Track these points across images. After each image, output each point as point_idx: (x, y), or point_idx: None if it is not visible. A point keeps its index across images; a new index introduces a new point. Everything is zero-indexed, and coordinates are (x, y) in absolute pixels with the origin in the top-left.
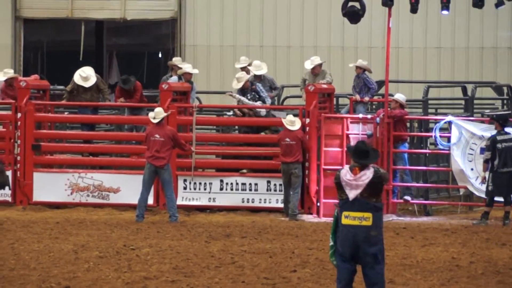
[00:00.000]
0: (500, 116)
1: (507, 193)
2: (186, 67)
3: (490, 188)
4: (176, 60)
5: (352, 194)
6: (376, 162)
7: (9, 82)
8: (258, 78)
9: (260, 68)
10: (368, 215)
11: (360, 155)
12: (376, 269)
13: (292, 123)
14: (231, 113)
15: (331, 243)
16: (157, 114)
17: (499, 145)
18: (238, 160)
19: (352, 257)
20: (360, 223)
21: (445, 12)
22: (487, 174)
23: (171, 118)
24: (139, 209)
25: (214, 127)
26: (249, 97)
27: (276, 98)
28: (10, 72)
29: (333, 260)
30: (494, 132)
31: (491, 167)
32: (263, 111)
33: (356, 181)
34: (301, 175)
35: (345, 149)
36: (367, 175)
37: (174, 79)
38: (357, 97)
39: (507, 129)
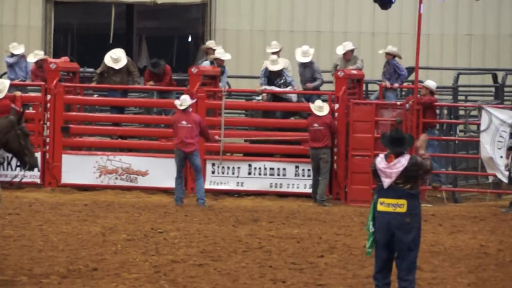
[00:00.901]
0: None
1: None
2: (218, 53)
3: (511, 174)
4: (210, 43)
5: (386, 182)
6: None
7: (39, 64)
8: (303, 65)
9: (307, 54)
10: (403, 202)
11: (394, 142)
12: (408, 257)
13: (320, 108)
14: (260, 97)
15: (372, 230)
16: (183, 101)
17: None
18: (267, 145)
19: (388, 244)
20: (394, 210)
21: None
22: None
23: (200, 102)
24: (176, 193)
25: (243, 111)
26: (278, 83)
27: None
28: (40, 54)
29: (371, 249)
30: None
31: None
32: (294, 97)
33: (390, 169)
34: (330, 160)
35: (380, 136)
36: (402, 162)
37: (206, 63)
38: (387, 83)
39: None
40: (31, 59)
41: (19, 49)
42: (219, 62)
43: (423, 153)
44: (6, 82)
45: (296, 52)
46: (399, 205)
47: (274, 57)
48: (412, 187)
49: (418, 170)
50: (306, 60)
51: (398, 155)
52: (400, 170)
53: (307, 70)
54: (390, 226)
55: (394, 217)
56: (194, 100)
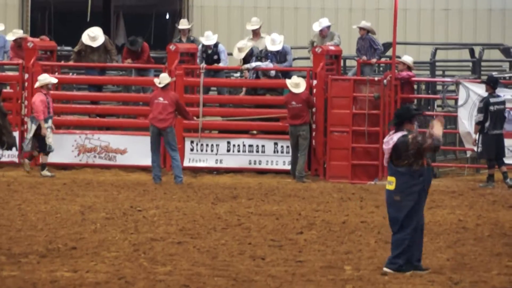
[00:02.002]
0: (491, 78)
1: (497, 155)
2: (207, 36)
3: (479, 149)
4: (182, 23)
5: (384, 159)
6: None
7: (18, 42)
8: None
9: (275, 43)
10: (392, 179)
11: (393, 117)
12: (397, 236)
13: (297, 85)
14: (238, 74)
15: None
16: (162, 79)
17: (491, 108)
18: (245, 122)
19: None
20: (387, 187)
21: None
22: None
23: (179, 80)
24: (153, 171)
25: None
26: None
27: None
28: (19, 33)
29: None
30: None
31: (481, 129)
32: (272, 72)
33: (385, 145)
34: (309, 137)
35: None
36: (393, 139)
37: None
38: (364, 58)
39: (500, 92)
40: (10, 37)
41: None
42: (208, 47)
43: (432, 133)
44: None
45: (265, 39)
46: (389, 182)
47: (243, 43)
48: (405, 164)
49: (407, 147)
50: (275, 48)
51: (396, 130)
52: (390, 146)
53: (279, 55)
54: (386, 203)
55: (387, 195)
56: (174, 78)
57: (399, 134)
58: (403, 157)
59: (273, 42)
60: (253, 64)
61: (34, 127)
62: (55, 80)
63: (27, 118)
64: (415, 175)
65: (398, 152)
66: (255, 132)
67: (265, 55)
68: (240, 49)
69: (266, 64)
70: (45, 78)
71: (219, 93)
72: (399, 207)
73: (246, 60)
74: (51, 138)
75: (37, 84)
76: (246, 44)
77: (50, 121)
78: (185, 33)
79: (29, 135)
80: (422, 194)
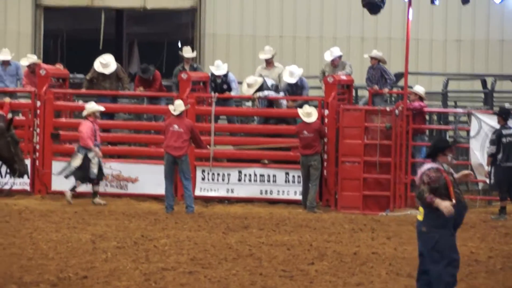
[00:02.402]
0: (503, 110)
1: (509, 187)
2: (215, 67)
3: (492, 181)
4: (184, 50)
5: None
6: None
7: (32, 68)
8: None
9: (293, 75)
10: (421, 209)
11: (429, 148)
12: (431, 270)
13: (308, 114)
14: (249, 103)
15: None
16: (177, 106)
17: (504, 139)
18: (257, 152)
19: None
20: (417, 217)
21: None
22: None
23: (190, 108)
24: (166, 200)
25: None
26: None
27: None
28: (33, 58)
29: None
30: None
31: (494, 160)
32: (284, 103)
33: (418, 173)
34: (320, 167)
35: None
36: (422, 169)
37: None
38: (376, 87)
39: (511, 124)
40: (24, 62)
41: (6, 55)
42: (218, 76)
43: (467, 173)
44: None
45: (284, 71)
46: (419, 213)
47: (253, 79)
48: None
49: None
50: (292, 81)
51: (432, 161)
52: (418, 176)
53: (296, 88)
54: (416, 233)
55: (417, 225)
56: (188, 106)
57: (428, 166)
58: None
59: (291, 74)
60: (265, 92)
61: (80, 156)
62: (102, 108)
63: (75, 145)
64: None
65: (423, 185)
66: (266, 161)
67: (275, 88)
68: (249, 85)
69: (274, 94)
70: (92, 106)
71: (230, 121)
72: (426, 238)
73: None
74: (96, 166)
75: (84, 113)
76: (256, 80)
77: (97, 149)
78: (188, 61)
79: (74, 163)
80: (448, 227)
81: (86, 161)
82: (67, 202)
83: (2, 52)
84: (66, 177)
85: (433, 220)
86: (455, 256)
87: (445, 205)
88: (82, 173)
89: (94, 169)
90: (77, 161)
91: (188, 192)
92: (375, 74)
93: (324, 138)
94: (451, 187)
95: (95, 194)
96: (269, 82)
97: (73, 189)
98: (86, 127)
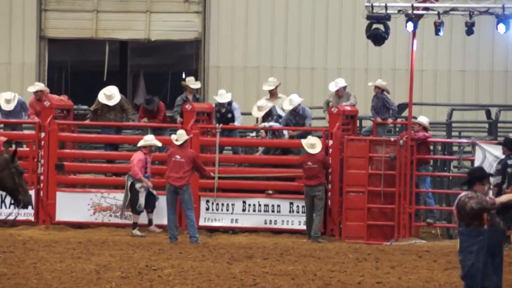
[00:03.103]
0: (508, 140)
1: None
2: (219, 96)
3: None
4: (189, 80)
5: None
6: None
7: (39, 96)
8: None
9: (292, 103)
10: (459, 239)
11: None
12: None
13: (313, 146)
14: (254, 134)
15: None
16: (180, 136)
17: (509, 169)
18: (261, 182)
19: None
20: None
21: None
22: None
23: (194, 139)
24: (169, 230)
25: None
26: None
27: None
28: (41, 85)
29: None
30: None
31: (499, 191)
32: (286, 134)
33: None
34: (324, 197)
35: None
36: (459, 197)
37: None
38: (378, 119)
39: None
40: (31, 89)
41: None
42: (221, 104)
43: (491, 200)
44: None
45: (284, 101)
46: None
47: (263, 102)
48: (464, 224)
49: (462, 207)
50: (290, 107)
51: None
52: (456, 203)
53: (298, 117)
54: None
55: (458, 254)
56: (191, 136)
57: (463, 193)
58: (463, 216)
59: (291, 101)
60: (271, 123)
61: (128, 183)
62: (159, 144)
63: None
64: (472, 235)
65: (457, 211)
66: (271, 192)
67: (276, 119)
68: (259, 108)
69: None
70: (151, 140)
71: (234, 152)
72: (462, 266)
73: (263, 119)
74: (142, 199)
75: (140, 143)
76: (266, 103)
77: (146, 180)
78: (192, 91)
79: (126, 192)
80: (482, 254)
81: (134, 190)
82: (141, 236)
83: (2, 95)
84: (124, 207)
85: (465, 248)
86: (487, 283)
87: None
88: (129, 202)
89: (141, 201)
90: (127, 189)
91: (191, 222)
92: (378, 103)
93: (328, 169)
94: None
95: (134, 225)
96: (278, 110)
97: (135, 226)
98: (137, 158)
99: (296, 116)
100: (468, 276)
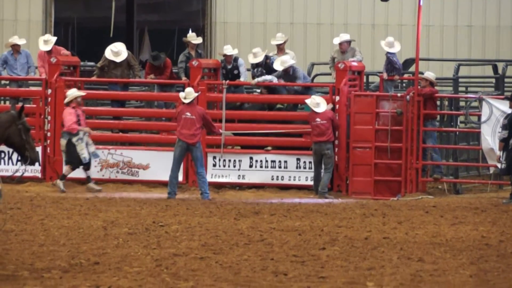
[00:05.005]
0: None
1: None
2: (226, 49)
3: (503, 166)
4: (190, 36)
5: None
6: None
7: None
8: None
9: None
10: None
11: None
12: None
13: (317, 104)
14: (259, 90)
15: None
16: (188, 94)
17: None
18: (268, 138)
19: None
20: None
21: None
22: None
23: (201, 96)
24: (170, 186)
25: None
26: (257, 72)
27: None
28: (53, 40)
29: None
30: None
31: (505, 145)
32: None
33: None
34: (333, 155)
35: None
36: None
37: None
38: (385, 75)
39: None
40: (43, 47)
41: (17, 40)
42: (228, 59)
43: None
44: None
45: (275, 61)
46: None
47: (258, 49)
48: None
49: None
50: (280, 68)
51: None
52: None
53: (288, 76)
54: None
55: None
56: (199, 93)
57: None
58: None
59: (282, 63)
60: (264, 76)
61: (64, 141)
62: (82, 93)
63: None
64: None
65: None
66: (270, 148)
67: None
68: (255, 54)
69: (271, 79)
70: (72, 93)
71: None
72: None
73: (259, 65)
74: (84, 151)
75: (66, 100)
76: (260, 50)
77: (81, 134)
78: (193, 47)
79: (66, 152)
80: None
81: (71, 146)
82: (60, 191)
83: (13, 38)
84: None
85: None
86: None
87: None
88: (69, 159)
89: (84, 154)
90: (63, 147)
91: (202, 178)
92: (385, 63)
93: (337, 127)
94: None
95: (88, 179)
96: (288, 57)
97: (63, 177)
98: (67, 113)
99: (286, 77)
100: None
